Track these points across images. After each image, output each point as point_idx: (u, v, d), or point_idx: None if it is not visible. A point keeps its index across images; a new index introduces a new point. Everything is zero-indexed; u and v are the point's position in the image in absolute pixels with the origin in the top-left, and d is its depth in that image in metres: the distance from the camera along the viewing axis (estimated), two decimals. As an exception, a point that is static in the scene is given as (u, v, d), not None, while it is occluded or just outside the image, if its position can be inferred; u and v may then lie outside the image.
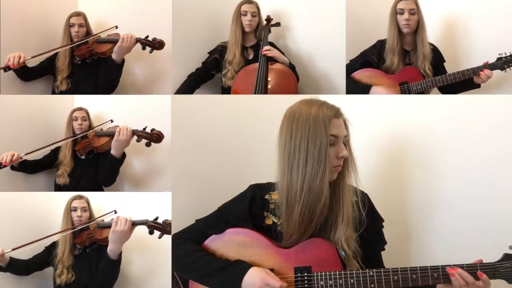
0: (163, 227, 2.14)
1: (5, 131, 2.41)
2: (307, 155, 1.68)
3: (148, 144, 2.38)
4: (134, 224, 2.15)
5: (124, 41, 2.45)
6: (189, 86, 2.66)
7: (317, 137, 1.67)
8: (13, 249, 2.20)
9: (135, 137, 2.38)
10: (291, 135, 1.72)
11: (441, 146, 2.18)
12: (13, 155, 2.32)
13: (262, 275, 1.68)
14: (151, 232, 2.14)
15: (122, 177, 2.58)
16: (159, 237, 2.14)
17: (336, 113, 1.71)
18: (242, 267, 1.72)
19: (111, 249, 2.17)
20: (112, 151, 2.41)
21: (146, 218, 2.16)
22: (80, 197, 2.36)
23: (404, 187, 2.23)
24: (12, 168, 2.36)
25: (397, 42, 2.50)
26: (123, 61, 2.54)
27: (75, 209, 2.33)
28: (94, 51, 2.53)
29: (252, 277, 1.69)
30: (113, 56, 2.49)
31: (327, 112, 1.69)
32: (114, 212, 2.35)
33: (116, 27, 2.58)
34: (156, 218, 2.16)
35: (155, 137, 2.37)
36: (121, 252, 2.20)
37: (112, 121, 2.57)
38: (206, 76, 2.72)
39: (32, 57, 2.44)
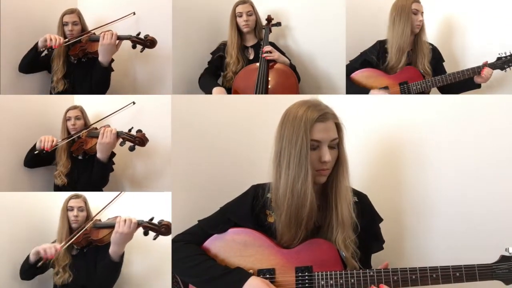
0: (158, 228, 2.11)
1: (5, 131, 2.41)
2: (290, 158, 1.69)
3: (131, 148, 2.32)
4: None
5: (105, 38, 2.38)
6: (213, 80, 2.63)
7: (297, 141, 1.67)
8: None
9: (120, 140, 2.33)
10: (280, 136, 1.74)
11: (440, 146, 2.18)
12: (53, 140, 2.35)
13: (262, 285, 1.69)
14: (145, 233, 2.11)
15: (122, 177, 2.58)
16: (154, 239, 2.11)
17: (320, 116, 1.69)
18: (242, 275, 1.72)
19: (113, 250, 2.14)
20: (98, 154, 2.37)
21: (141, 218, 2.13)
22: (77, 197, 2.34)
23: (403, 187, 2.23)
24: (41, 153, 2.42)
25: (408, 42, 2.50)
26: (110, 64, 2.49)
27: (72, 209, 2.31)
28: (87, 50, 2.49)
29: (251, 286, 1.70)
30: (99, 58, 2.44)
31: (311, 115, 1.68)
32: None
33: (134, 13, 2.54)
34: (152, 219, 2.14)
35: (138, 140, 2.31)
36: (123, 254, 2.19)
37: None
38: (216, 75, 2.71)
39: (69, 40, 2.47)
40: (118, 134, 2.33)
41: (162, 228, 2.11)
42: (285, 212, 1.72)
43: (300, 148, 1.66)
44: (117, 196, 2.31)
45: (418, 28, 2.50)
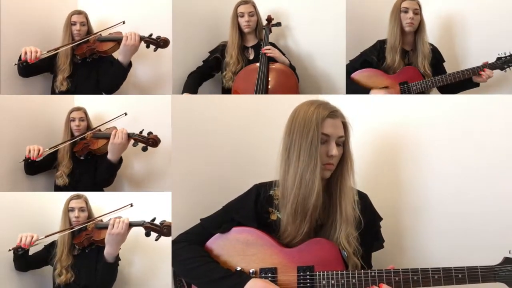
0: (160, 229, 2.12)
1: (5, 131, 2.40)
2: (300, 149, 1.75)
3: (144, 149, 2.34)
4: (131, 225, 2.13)
5: (128, 39, 2.41)
6: (193, 85, 2.64)
7: (309, 133, 1.74)
8: (46, 236, 2.23)
9: (132, 141, 2.36)
10: (290, 131, 1.80)
11: (440, 146, 2.17)
12: (39, 150, 2.37)
13: (262, 286, 1.71)
14: (147, 234, 2.12)
15: (122, 177, 2.58)
16: (156, 239, 2.12)
17: (330, 113, 1.77)
18: (243, 278, 1.75)
19: (108, 252, 2.16)
20: (109, 155, 2.39)
21: (143, 219, 2.14)
22: (78, 197, 2.35)
23: (403, 186, 2.23)
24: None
25: (399, 41, 2.52)
26: (130, 64, 2.50)
27: (73, 210, 2.32)
28: (95, 49, 2.51)
29: (251, 287, 1.72)
30: (120, 58, 2.45)
31: (322, 112, 1.76)
32: (130, 205, 2.28)
33: (124, 22, 2.54)
34: (154, 219, 2.14)
35: (151, 141, 2.34)
36: (118, 255, 2.19)
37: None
38: (207, 75, 2.72)
39: (48, 52, 2.43)
40: (130, 136, 2.35)
41: (164, 229, 2.12)
42: (291, 201, 1.76)
43: (311, 140, 1.73)
44: (125, 207, 2.29)
45: (410, 26, 2.50)
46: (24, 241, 2.18)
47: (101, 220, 2.31)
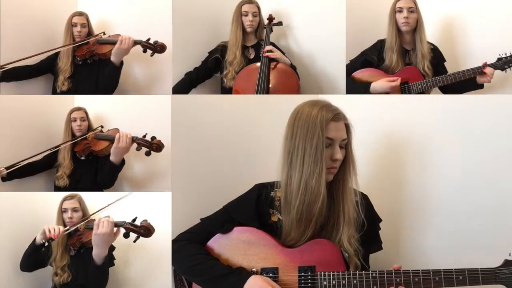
0: (138, 230, 2.07)
1: (5, 131, 2.40)
2: (304, 154, 1.73)
3: (148, 153, 2.35)
4: (115, 225, 2.10)
5: (122, 43, 2.43)
6: (186, 84, 2.65)
7: (313, 138, 1.72)
8: (70, 227, 2.24)
9: (135, 145, 2.36)
10: (292, 134, 1.78)
11: (440, 146, 2.18)
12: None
13: (262, 284, 1.71)
14: (126, 235, 2.07)
15: (122, 177, 2.58)
16: (134, 241, 2.06)
17: (334, 116, 1.75)
18: (243, 275, 1.75)
19: (95, 253, 2.12)
20: (111, 158, 2.39)
21: (123, 219, 2.11)
22: (71, 197, 2.34)
23: (403, 187, 2.24)
24: (3, 179, 2.35)
25: (395, 41, 2.52)
26: (121, 63, 2.52)
27: (66, 211, 2.31)
28: (95, 51, 2.53)
29: (252, 285, 1.71)
30: (112, 58, 2.48)
31: (326, 115, 1.74)
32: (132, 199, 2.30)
33: (104, 33, 2.59)
34: (134, 219, 2.10)
35: (155, 146, 2.34)
36: (106, 256, 2.15)
37: (102, 127, 2.57)
38: (205, 75, 2.71)
39: (7, 64, 2.39)
40: (134, 140, 2.36)
41: (141, 230, 2.07)
42: (296, 208, 1.76)
43: (316, 144, 1.71)
44: (122, 197, 2.31)
45: (406, 26, 2.50)
46: (53, 232, 2.16)
47: (94, 220, 2.30)
